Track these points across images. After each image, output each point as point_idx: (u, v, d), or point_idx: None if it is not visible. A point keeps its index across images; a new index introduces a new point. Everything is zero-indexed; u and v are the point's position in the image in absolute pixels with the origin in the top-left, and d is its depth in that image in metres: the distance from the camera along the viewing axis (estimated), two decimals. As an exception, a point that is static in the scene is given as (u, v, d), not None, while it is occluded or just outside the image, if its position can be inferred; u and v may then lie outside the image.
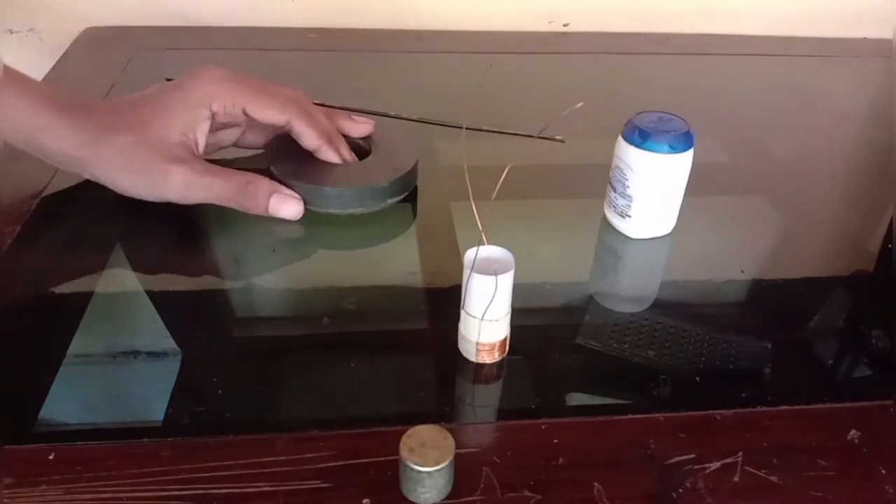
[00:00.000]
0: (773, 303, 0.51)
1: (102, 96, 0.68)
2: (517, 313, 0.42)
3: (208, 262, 0.51)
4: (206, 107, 0.50)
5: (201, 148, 0.51)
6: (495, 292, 0.39)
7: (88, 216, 0.52)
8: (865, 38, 0.93)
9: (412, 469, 0.33)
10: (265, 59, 0.79)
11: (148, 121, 0.49)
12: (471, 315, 0.41)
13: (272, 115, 0.52)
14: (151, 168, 0.49)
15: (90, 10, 0.82)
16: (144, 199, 0.50)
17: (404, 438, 0.34)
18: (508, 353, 0.43)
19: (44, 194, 0.54)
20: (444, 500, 0.35)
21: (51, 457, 0.36)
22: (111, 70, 0.73)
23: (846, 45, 0.91)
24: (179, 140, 0.49)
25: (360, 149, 0.57)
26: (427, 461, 0.33)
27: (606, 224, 0.55)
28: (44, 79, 0.71)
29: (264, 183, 0.50)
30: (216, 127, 0.53)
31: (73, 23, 0.82)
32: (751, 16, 0.92)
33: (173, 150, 0.49)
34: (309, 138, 0.53)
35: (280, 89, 0.53)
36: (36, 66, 0.70)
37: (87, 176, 0.51)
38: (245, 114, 0.51)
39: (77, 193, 0.54)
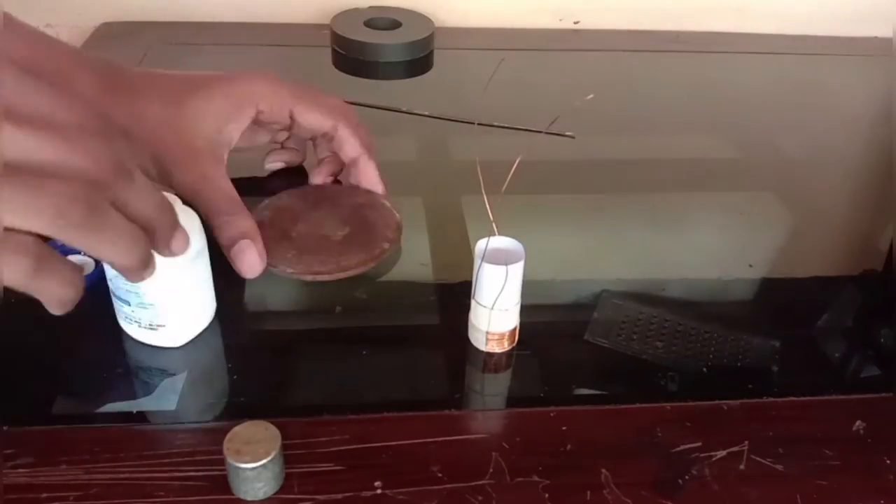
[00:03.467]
0: (781, 300, 0.52)
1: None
2: (526, 308, 0.43)
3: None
4: (252, 104, 0.48)
5: (233, 144, 0.48)
6: (505, 282, 0.40)
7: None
8: (876, 37, 0.93)
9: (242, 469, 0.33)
10: (278, 55, 0.80)
11: (184, 101, 0.47)
12: (481, 304, 0.41)
13: (319, 119, 0.50)
14: (174, 154, 0.45)
15: (106, 5, 0.83)
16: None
17: (226, 443, 0.34)
18: (517, 346, 0.44)
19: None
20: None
21: (70, 438, 0.37)
22: (128, 64, 0.74)
23: (856, 44, 0.91)
24: (212, 133, 0.47)
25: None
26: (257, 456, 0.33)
27: (616, 220, 0.56)
28: (61, 73, 0.72)
29: (240, 224, 0.44)
30: (254, 126, 0.51)
31: (89, 18, 0.83)
32: (761, 14, 0.92)
33: (200, 143, 0.46)
34: (352, 146, 0.51)
35: (327, 98, 0.52)
36: (53, 60, 0.71)
37: None
38: (291, 117, 0.50)
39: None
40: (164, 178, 0.46)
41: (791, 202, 0.61)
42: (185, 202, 0.42)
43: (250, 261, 0.44)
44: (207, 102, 0.47)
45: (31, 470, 0.35)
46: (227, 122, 0.48)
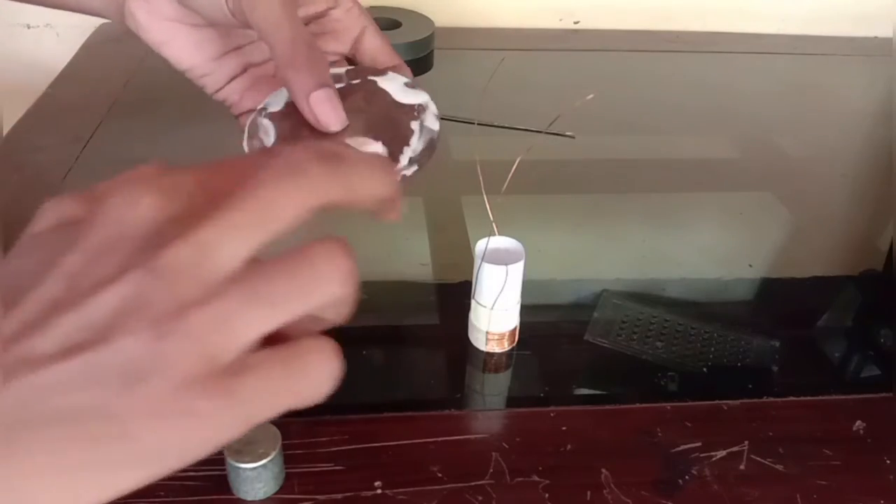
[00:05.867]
0: (781, 300, 0.52)
1: (119, 91, 0.69)
2: (526, 308, 0.43)
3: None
4: None
5: None
6: (505, 282, 0.40)
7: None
8: (876, 37, 0.93)
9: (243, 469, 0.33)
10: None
11: None
12: (481, 304, 0.41)
13: None
14: None
15: (106, 5, 0.83)
16: None
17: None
18: (517, 346, 0.44)
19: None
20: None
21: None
22: (127, 65, 0.74)
23: (856, 44, 0.91)
24: None
25: None
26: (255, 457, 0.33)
27: (616, 220, 0.56)
28: (60, 74, 0.72)
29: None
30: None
31: (89, 18, 0.83)
32: (761, 14, 0.92)
33: None
34: (356, 18, 0.38)
35: None
36: (52, 61, 0.71)
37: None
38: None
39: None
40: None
41: (791, 202, 0.61)
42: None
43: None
44: None
45: (31, 470, 0.35)
46: None
